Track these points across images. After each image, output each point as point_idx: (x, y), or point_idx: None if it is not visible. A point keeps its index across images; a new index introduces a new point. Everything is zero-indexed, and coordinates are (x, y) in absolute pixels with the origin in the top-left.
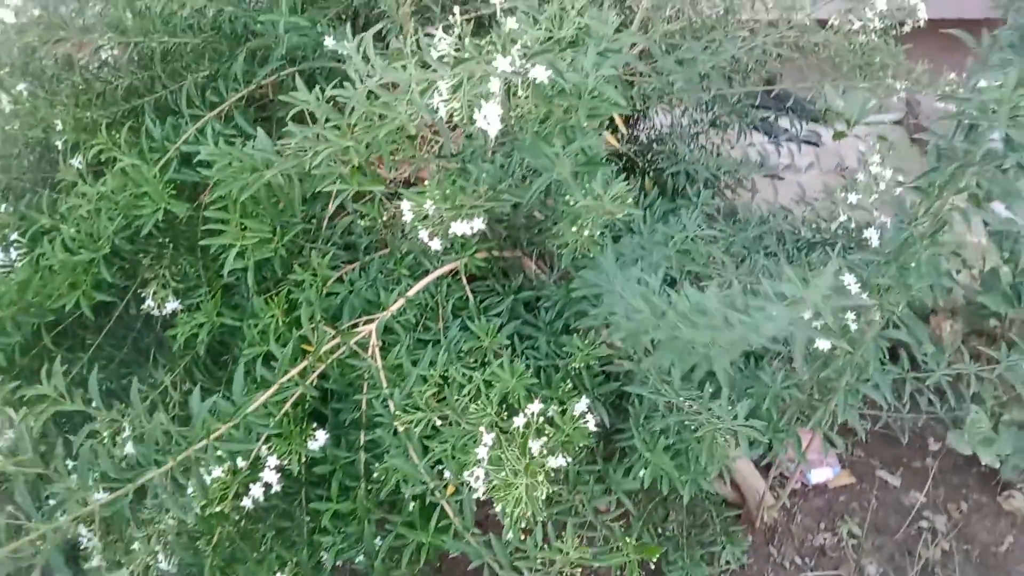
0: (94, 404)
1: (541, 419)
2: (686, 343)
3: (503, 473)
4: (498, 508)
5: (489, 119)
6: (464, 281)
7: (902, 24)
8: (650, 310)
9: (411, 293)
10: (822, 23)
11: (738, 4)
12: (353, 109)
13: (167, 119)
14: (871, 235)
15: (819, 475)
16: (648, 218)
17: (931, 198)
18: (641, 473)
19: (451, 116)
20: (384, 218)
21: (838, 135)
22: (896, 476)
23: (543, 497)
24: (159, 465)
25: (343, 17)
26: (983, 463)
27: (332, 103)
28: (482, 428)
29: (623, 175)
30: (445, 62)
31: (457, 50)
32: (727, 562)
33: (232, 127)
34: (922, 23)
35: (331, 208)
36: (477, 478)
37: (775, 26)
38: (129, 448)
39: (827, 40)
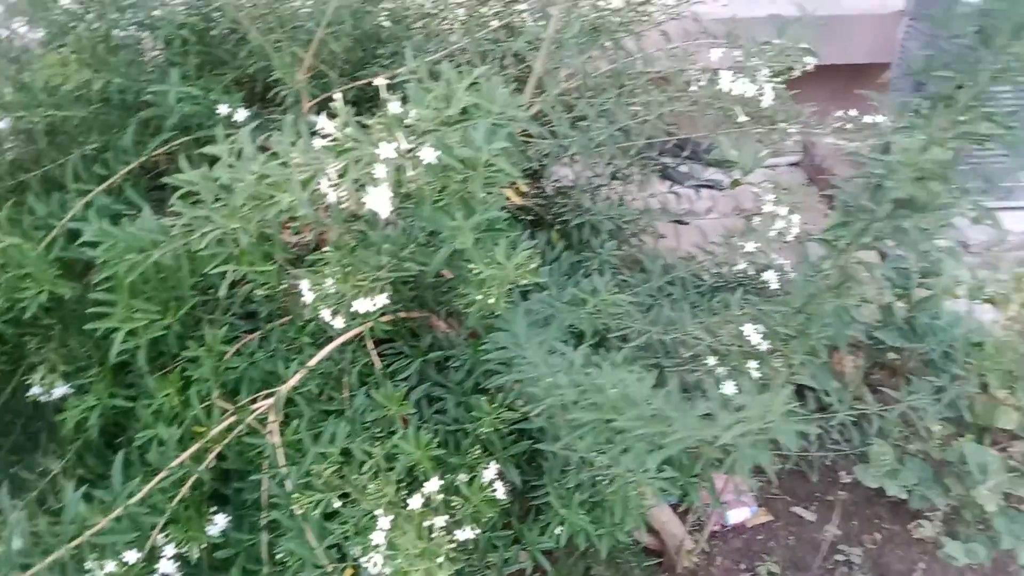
0: None
1: (442, 495)
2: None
3: (399, 560)
4: None
5: (378, 203)
6: (370, 346)
7: (791, 69)
8: (572, 387)
9: (312, 363)
10: (712, 75)
11: (628, 63)
12: (236, 192)
13: (54, 194)
14: (770, 278)
15: (736, 515)
16: (556, 272)
17: (837, 252)
18: (557, 531)
19: (339, 200)
20: (284, 286)
21: (735, 183)
22: (811, 511)
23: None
24: (24, 569)
25: (239, 83)
26: (890, 494)
27: (218, 182)
28: (379, 510)
29: (529, 230)
30: (329, 148)
31: (342, 135)
32: None
33: (122, 201)
34: (811, 68)
35: (228, 279)
36: (375, 564)
37: (666, 80)
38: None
39: (717, 92)
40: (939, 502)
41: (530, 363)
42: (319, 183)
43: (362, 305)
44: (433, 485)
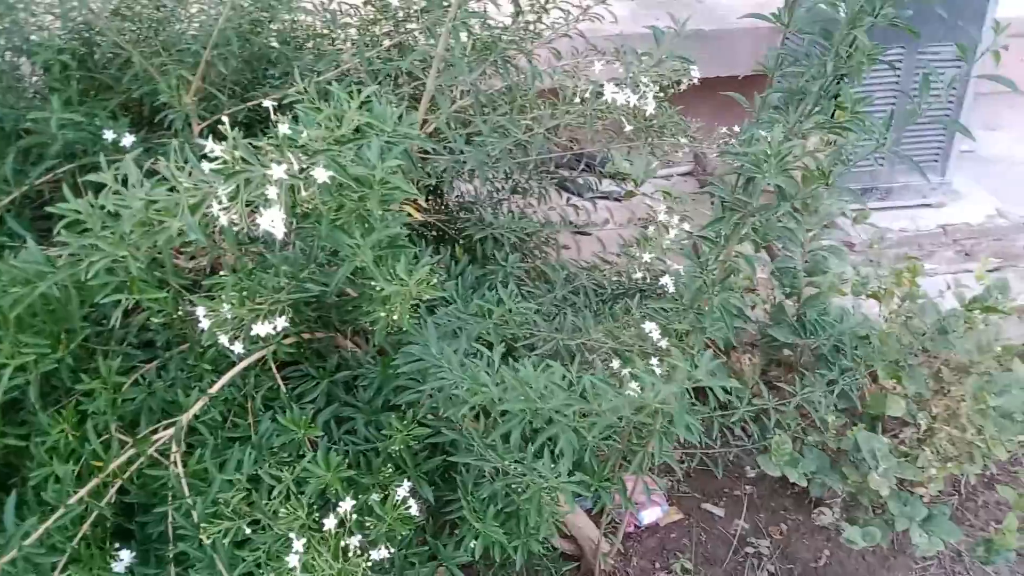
0: None
1: (356, 515)
2: (537, 415)
3: None
4: None
5: (274, 224)
6: (274, 369)
7: (678, 83)
8: (497, 384)
9: (214, 390)
10: (598, 88)
11: (519, 80)
12: (123, 219)
13: None
14: (667, 282)
15: (649, 515)
16: (461, 286)
17: (719, 247)
18: (472, 544)
19: (231, 223)
20: (180, 312)
21: (629, 194)
22: (720, 507)
23: None
24: None
25: (126, 108)
26: (794, 484)
27: (104, 209)
28: (292, 534)
29: (432, 246)
30: (219, 171)
31: (231, 157)
32: None
33: (4, 232)
34: (696, 81)
35: (119, 309)
36: None
37: (556, 95)
38: None
39: (603, 103)
40: (838, 489)
41: (446, 371)
42: (210, 207)
43: (261, 329)
44: (347, 505)
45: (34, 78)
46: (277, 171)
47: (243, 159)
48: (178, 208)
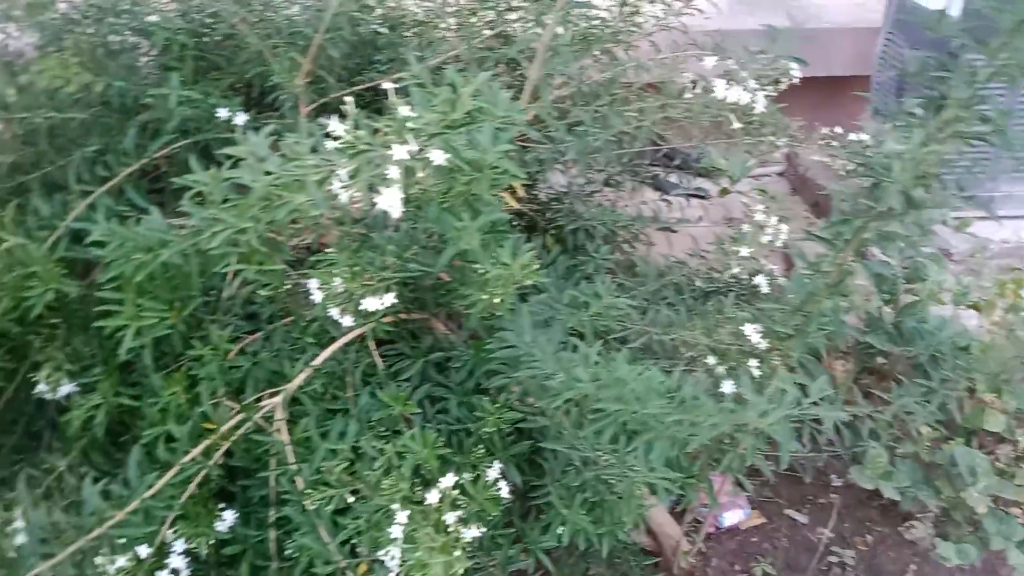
0: None
1: (455, 491)
2: (632, 418)
3: (419, 552)
4: None
5: (391, 204)
6: (372, 346)
7: (777, 82)
8: (591, 381)
9: (317, 362)
10: (706, 83)
11: (620, 71)
12: (251, 192)
13: (55, 195)
14: (760, 282)
15: (731, 517)
16: (552, 275)
17: (837, 250)
18: (559, 530)
19: (351, 201)
20: (286, 287)
21: (723, 192)
22: (803, 514)
23: (460, 572)
24: (47, 558)
25: (236, 88)
26: (884, 496)
27: (229, 183)
28: (395, 505)
29: (525, 234)
30: (341, 150)
31: (353, 137)
32: None
33: (124, 202)
34: (796, 81)
35: (231, 280)
36: (393, 558)
37: (657, 89)
38: (20, 539)
39: (711, 99)
40: (929, 503)
41: (539, 360)
42: (331, 184)
43: (371, 303)
44: (448, 481)
45: (150, 57)
46: (399, 151)
47: (365, 140)
48: (303, 183)
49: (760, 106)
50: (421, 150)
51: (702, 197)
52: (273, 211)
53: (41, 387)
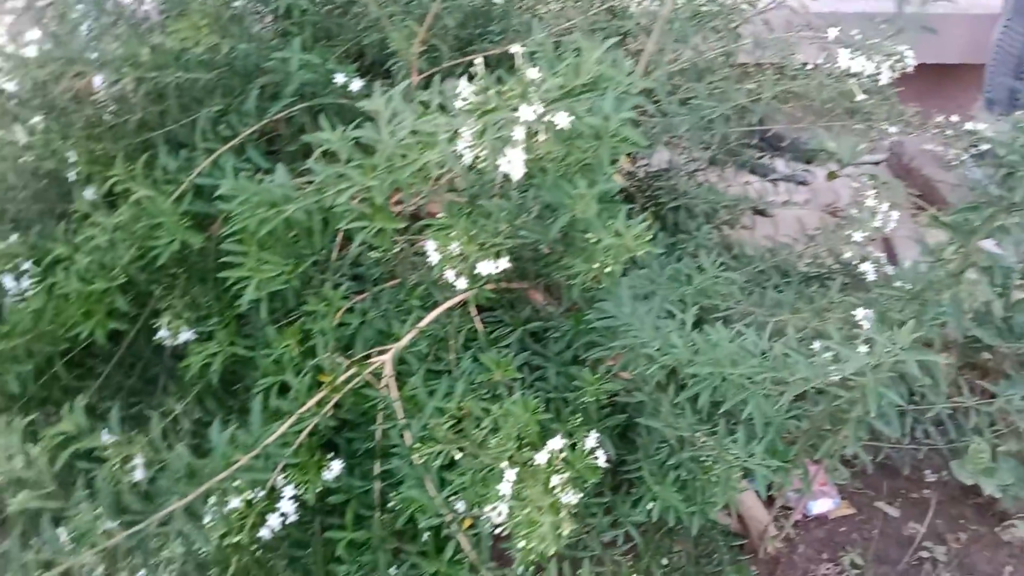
0: (113, 437)
1: (560, 455)
2: (728, 382)
3: (527, 510)
4: (521, 545)
5: (513, 165)
6: (474, 313)
7: (891, 68)
8: (687, 346)
9: (423, 323)
10: (815, 68)
11: (735, 48)
12: (378, 151)
13: (180, 152)
14: (867, 269)
15: (820, 506)
16: (653, 251)
17: (964, 236)
18: (649, 506)
19: (475, 161)
20: (395, 250)
21: (831, 175)
22: (895, 507)
23: (566, 533)
24: (181, 496)
25: (349, 54)
26: (985, 493)
27: (355, 142)
28: (503, 464)
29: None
30: (467, 110)
31: (479, 97)
32: None
33: (244, 161)
34: (910, 68)
35: (340, 241)
36: (500, 514)
37: (770, 70)
38: (138, 475)
39: (821, 84)
40: None
41: (637, 330)
42: (456, 145)
43: (485, 267)
44: (557, 443)
45: (268, 22)
46: (526, 112)
47: (493, 101)
48: (432, 142)
49: (885, 76)
50: (545, 113)
51: (803, 183)
52: (398, 170)
53: (162, 333)
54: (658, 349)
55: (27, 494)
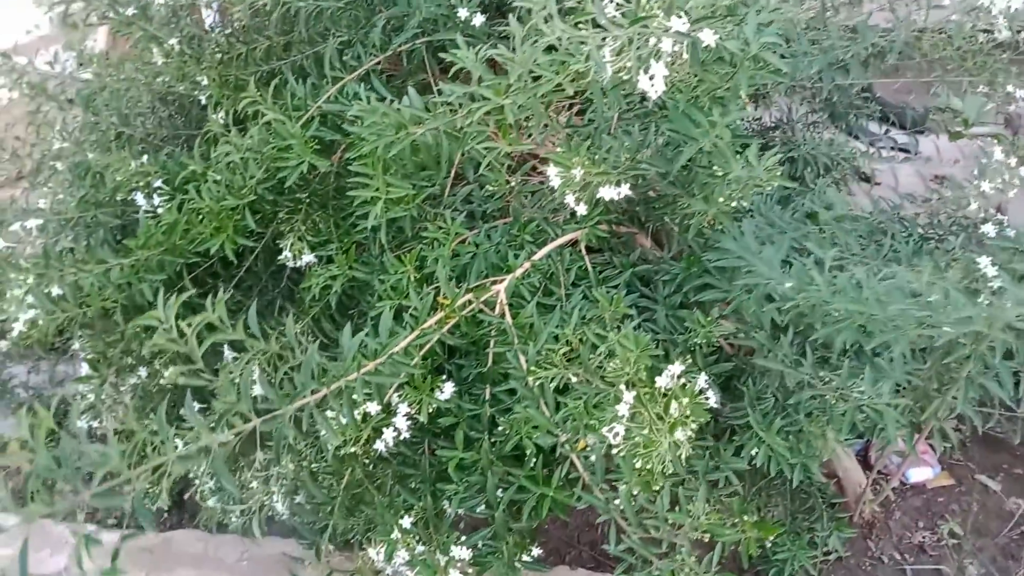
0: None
1: (681, 381)
2: (871, 322)
3: (646, 430)
4: (637, 465)
5: (655, 80)
6: (584, 252)
7: (1019, 32)
8: (827, 285)
9: (537, 256)
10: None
11: None
12: (511, 70)
13: (305, 80)
14: (988, 229)
15: (919, 474)
16: (769, 200)
17: None
18: (754, 452)
19: (616, 75)
20: (509, 186)
21: (954, 136)
22: (996, 481)
23: (684, 456)
24: (314, 392)
25: None
26: None
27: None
28: (622, 386)
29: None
30: (619, 22)
31: (623, 11)
32: (835, 549)
33: (369, 90)
34: None
35: (452, 178)
36: (617, 434)
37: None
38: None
39: (952, 40)
40: None
41: (765, 271)
42: (598, 58)
43: (608, 192)
44: (675, 368)
45: None
46: (676, 23)
47: (640, 13)
48: (570, 58)
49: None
50: (690, 32)
51: (907, 152)
52: (532, 88)
53: (285, 254)
54: (791, 287)
55: (177, 369)
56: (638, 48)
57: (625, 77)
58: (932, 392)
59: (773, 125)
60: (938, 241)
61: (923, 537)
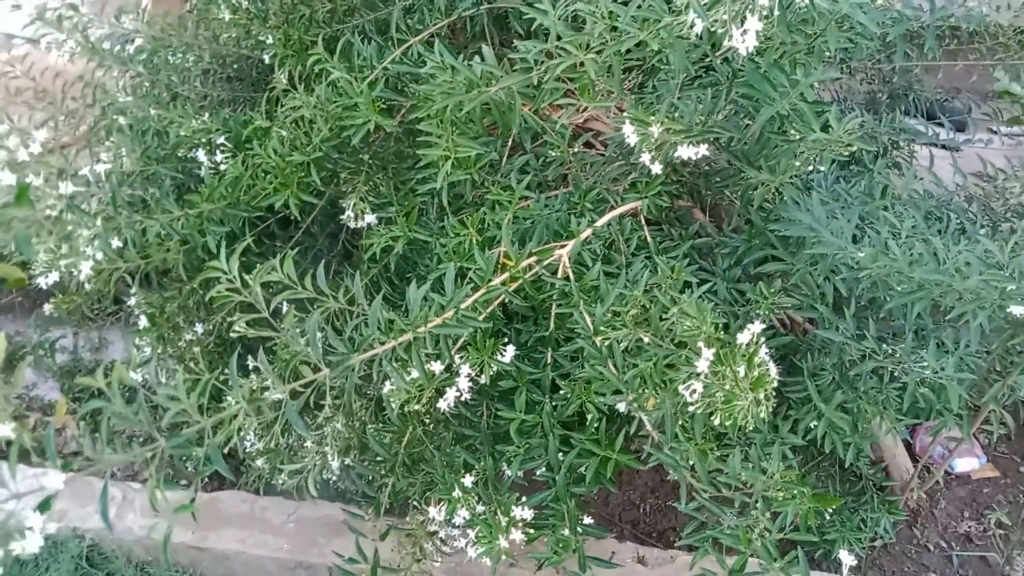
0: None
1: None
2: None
3: (727, 386)
4: (717, 422)
5: (748, 35)
6: (643, 222)
7: None
8: (904, 254)
9: (600, 223)
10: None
11: None
12: (590, 28)
13: (370, 42)
14: None
15: (964, 464)
16: (825, 181)
17: None
18: (812, 424)
19: (711, 29)
20: (572, 151)
21: (1012, 121)
22: None
23: (765, 413)
24: (382, 344)
25: None
26: None
27: (569, 20)
28: (700, 343)
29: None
30: None
31: None
32: (885, 531)
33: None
34: None
35: (509, 147)
36: (694, 392)
37: None
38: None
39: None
40: None
41: (829, 241)
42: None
43: (686, 152)
44: (756, 327)
45: None
46: None
47: None
48: (655, 16)
49: None
50: None
51: (954, 149)
52: (612, 47)
53: (348, 213)
54: (866, 255)
55: (242, 317)
56: (734, 1)
57: (721, 30)
58: (993, 375)
59: (832, 101)
60: (996, 225)
61: (969, 527)
